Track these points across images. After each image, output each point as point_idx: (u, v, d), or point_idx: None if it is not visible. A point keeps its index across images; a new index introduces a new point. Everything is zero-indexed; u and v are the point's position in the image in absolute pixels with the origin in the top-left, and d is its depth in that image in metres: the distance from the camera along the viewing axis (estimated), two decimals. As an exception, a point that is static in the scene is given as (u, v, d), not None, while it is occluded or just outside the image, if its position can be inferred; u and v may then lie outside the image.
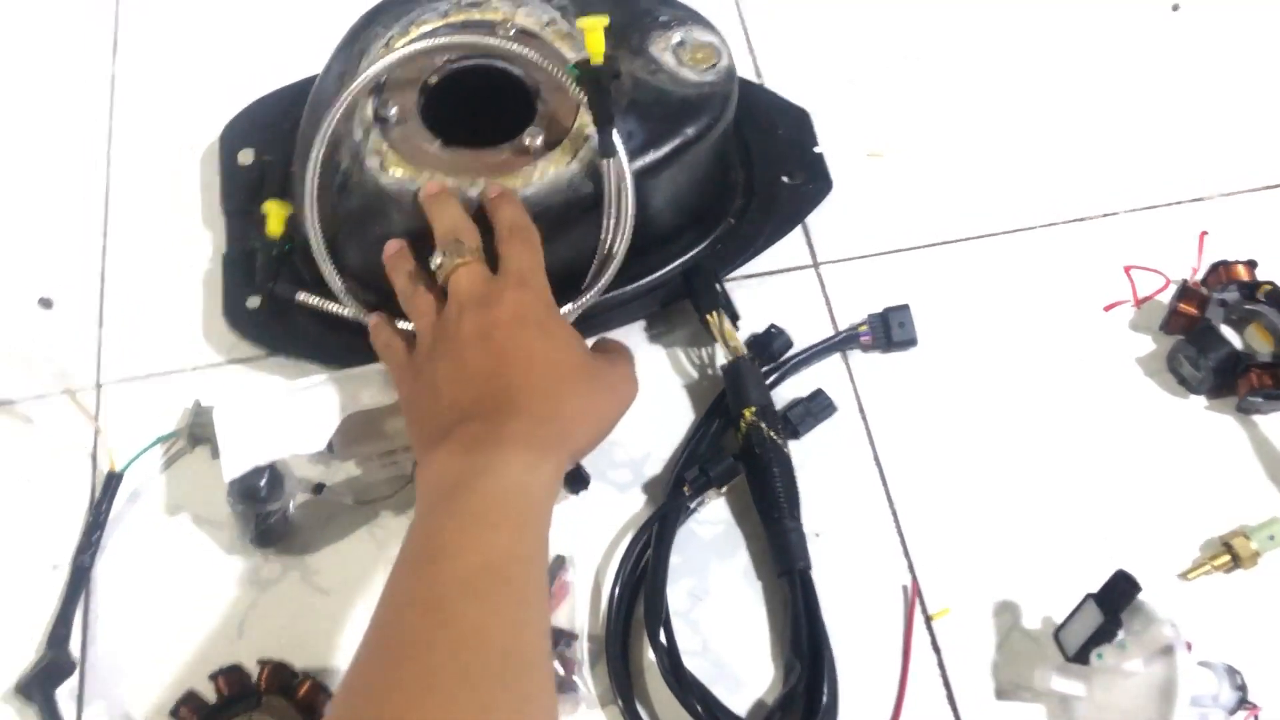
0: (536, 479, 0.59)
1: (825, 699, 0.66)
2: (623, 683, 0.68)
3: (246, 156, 0.87)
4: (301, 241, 0.76)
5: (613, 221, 0.73)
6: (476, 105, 0.77)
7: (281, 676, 0.68)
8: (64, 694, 0.68)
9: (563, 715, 0.67)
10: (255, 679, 0.68)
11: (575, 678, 0.68)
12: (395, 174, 0.73)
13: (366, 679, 0.54)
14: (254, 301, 0.81)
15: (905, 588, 0.72)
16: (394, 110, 0.76)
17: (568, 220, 0.73)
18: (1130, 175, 0.88)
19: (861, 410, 0.78)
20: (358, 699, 0.53)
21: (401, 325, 0.72)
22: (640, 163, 0.73)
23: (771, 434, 0.73)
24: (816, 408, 0.77)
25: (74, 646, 0.70)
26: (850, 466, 0.76)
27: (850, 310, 0.82)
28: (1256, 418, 0.78)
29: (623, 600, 0.70)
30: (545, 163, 0.73)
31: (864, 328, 0.80)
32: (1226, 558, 0.72)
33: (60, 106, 0.94)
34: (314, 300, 0.78)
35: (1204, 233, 0.84)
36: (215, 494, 0.71)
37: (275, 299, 0.80)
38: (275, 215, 0.79)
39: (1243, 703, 0.64)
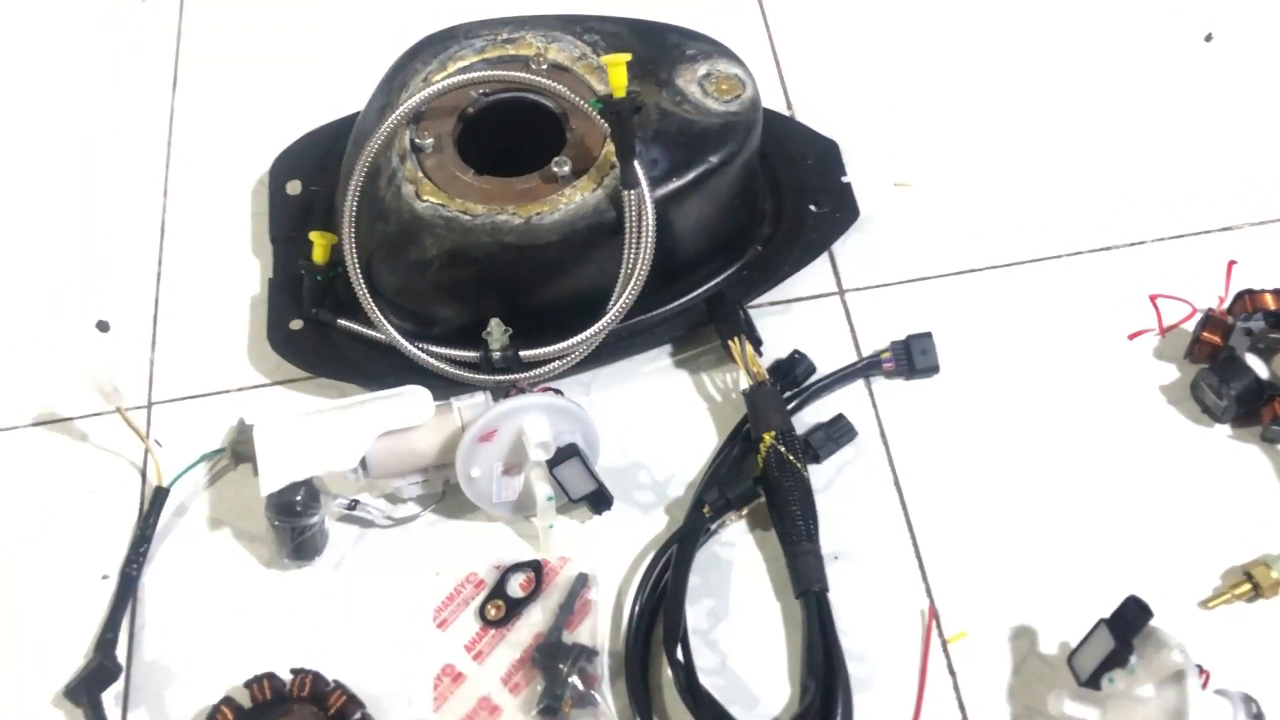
0: None
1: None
2: (641, 699, 0.69)
3: (294, 187, 0.91)
4: (344, 269, 0.80)
5: (634, 250, 0.75)
6: (511, 135, 0.81)
7: (315, 685, 0.71)
8: (109, 697, 0.71)
9: (582, 729, 0.69)
10: (289, 687, 0.71)
11: (595, 693, 0.70)
12: (429, 200, 0.76)
13: None
14: (297, 324, 0.85)
15: (923, 611, 0.73)
16: (430, 140, 0.79)
17: (592, 244, 0.76)
18: (1159, 204, 0.88)
19: (883, 435, 0.79)
20: None
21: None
22: (664, 190, 0.76)
23: (791, 458, 0.74)
24: (837, 432, 0.78)
25: (120, 652, 0.73)
26: (871, 491, 0.77)
27: (874, 337, 0.83)
28: (1281, 447, 0.78)
29: (643, 618, 0.72)
30: (572, 190, 0.76)
31: (887, 354, 0.81)
32: (1248, 586, 0.71)
33: (121, 139, 0.99)
34: (354, 325, 0.82)
35: (1232, 261, 0.84)
36: (255, 510, 0.74)
37: (318, 323, 0.84)
38: (320, 243, 0.83)
39: (1259, 731, 0.64)
